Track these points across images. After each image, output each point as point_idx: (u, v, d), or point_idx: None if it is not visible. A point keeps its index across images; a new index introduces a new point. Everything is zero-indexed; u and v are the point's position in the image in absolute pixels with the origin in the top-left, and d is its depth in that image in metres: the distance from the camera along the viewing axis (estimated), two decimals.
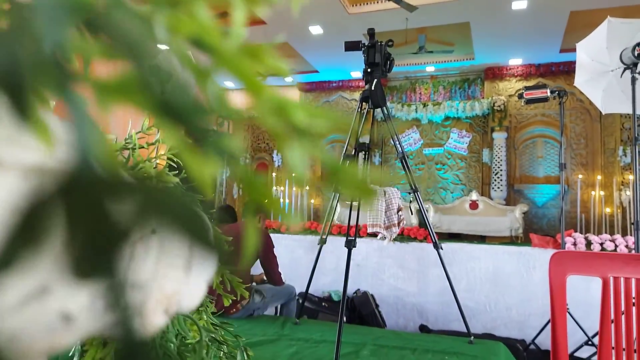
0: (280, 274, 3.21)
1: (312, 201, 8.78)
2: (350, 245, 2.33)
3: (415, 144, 8.51)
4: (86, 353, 0.31)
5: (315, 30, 6.85)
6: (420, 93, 8.62)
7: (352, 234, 2.39)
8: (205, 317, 0.40)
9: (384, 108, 2.65)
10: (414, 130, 8.52)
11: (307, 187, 8.90)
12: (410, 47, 7.08)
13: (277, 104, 0.14)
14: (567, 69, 7.34)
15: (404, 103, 8.49)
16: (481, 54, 7.48)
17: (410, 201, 2.93)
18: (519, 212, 6.91)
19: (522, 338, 3.70)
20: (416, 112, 8.31)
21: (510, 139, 7.87)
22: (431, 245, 2.81)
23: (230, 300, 0.46)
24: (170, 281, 0.15)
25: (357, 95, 8.99)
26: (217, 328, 0.41)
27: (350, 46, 2.72)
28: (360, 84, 8.91)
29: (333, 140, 9.14)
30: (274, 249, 3.15)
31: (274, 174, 9.38)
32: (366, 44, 2.68)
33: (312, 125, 0.14)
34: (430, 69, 8.27)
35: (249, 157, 9.89)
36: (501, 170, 7.65)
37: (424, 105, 8.30)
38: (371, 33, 2.64)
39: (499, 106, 7.77)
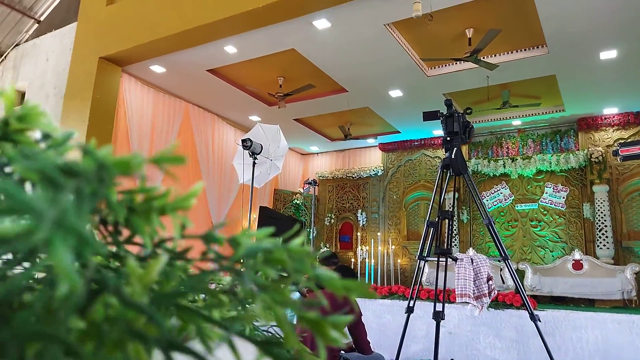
0: (369, 342, 3.17)
1: (399, 261, 8.62)
2: (438, 317, 2.28)
3: (505, 200, 8.16)
4: None
5: (395, 93, 7.04)
6: (507, 147, 8.35)
7: (440, 301, 2.35)
8: None
9: (466, 175, 2.65)
10: (503, 185, 8.20)
11: (393, 247, 8.79)
12: (493, 102, 6.98)
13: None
14: None
15: (490, 158, 8.26)
16: (572, 104, 7.16)
17: (501, 269, 2.81)
18: (630, 272, 6.25)
19: None
20: (504, 167, 8.03)
21: (612, 192, 7.26)
22: None
23: None
24: None
25: (439, 153, 8.92)
26: None
27: (429, 116, 2.79)
28: None
29: (417, 198, 9.06)
30: (362, 316, 3.14)
31: (358, 234, 9.42)
32: (444, 113, 2.74)
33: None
34: (516, 122, 8.04)
35: (333, 217, 10.04)
36: (606, 226, 7.02)
37: (513, 159, 8.01)
38: (448, 104, 2.70)
39: (597, 158, 7.28)
